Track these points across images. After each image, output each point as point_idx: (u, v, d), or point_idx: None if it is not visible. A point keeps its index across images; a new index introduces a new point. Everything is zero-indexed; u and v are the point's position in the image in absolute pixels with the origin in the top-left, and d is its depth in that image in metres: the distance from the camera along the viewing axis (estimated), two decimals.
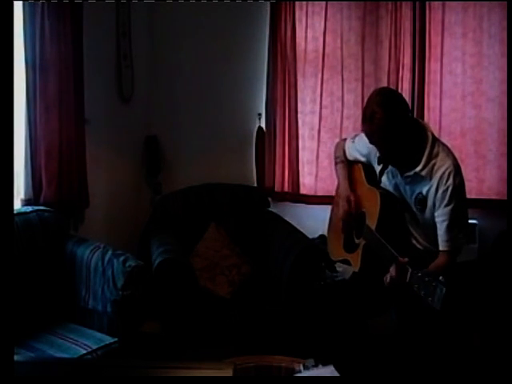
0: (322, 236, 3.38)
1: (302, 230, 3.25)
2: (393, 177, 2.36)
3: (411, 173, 2.23)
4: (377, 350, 2.56)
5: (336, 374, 2.00)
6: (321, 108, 3.72)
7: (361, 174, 2.52)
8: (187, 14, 3.80)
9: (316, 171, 3.75)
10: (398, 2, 3.55)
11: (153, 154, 3.87)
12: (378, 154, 2.32)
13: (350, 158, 2.59)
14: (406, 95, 3.56)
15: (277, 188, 3.76)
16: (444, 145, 2.27)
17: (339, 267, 3.29)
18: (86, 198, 3.09)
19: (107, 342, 2.42)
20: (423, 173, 2.20)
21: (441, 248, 2.21)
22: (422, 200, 2.24)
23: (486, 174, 3.55)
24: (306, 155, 3.77)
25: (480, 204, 3.47)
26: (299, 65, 3.71)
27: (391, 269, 2.09)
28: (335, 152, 2.69)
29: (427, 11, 3.53)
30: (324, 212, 2.85)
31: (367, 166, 2.51)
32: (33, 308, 2.54)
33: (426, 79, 3.57)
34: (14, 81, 2.31)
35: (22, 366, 1.79)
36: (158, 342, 2.93)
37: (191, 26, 3.82)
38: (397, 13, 3.56)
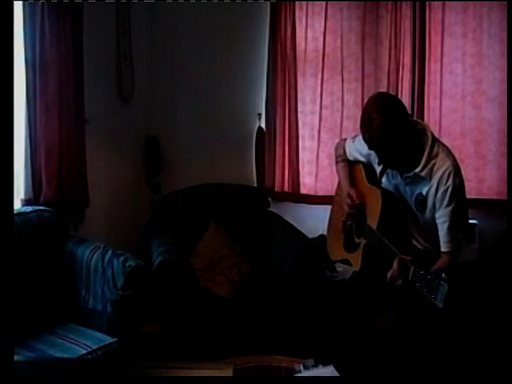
0: (322, 236, 3.38)
1: (302, 230, 3.25)
2: (393, 177, 2.36)
3: (411, 174, 2.23)
4: (377, 349, 2.56)
5: (336, 373, 1.99)
6: (321, 108, 3.72)
7: (361, 174, 2.52)
8: (187, 14, 3.80)
9: (316, 171, 3.76)
10: (398, 2, 3.55)
11: (153, 154, 3.87)
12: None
13: (350, 157, 2.59)
14: (406, 95, 3.56)
15: (277, 188, 3.76)
16: (444, 145, 2.27)
17: (339, 267, 3.29)
18: (86, 197, 3.09)
19: (107, 342, 2.42)
20: (423, 173, 2.20)
21: (443, 249, 2.20)
22: (421, 201, 2.24)
23: (486, 174, 3.55)
24: (306, 155, 3.77)
25: (480, 204, 3.47)
26: (299, 65, 3.71)
27: (393, 266, 2.09)
28: (336, 151, 2.69)
29: (427, 11, 3.53)
30: (324, 212, 2.85)
31: (368, 166, 2.51)
32: (33, 308, 2.54)
33: (426, 79, 3.57)
34: (14, 81, 2.30)
35: (21, 366, 1.79)
36: (158, 342, 2.93)
37: (191, 26, 3.82)
38: (397, 13, 3.56)
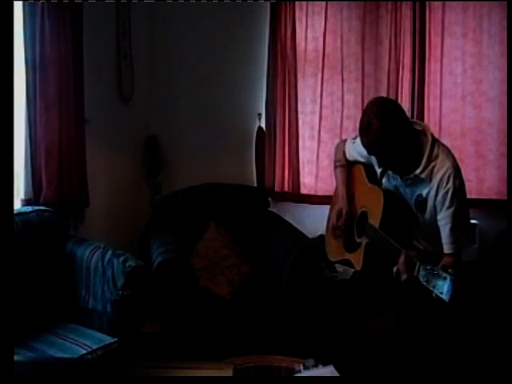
0: (322, 236, 3.37)
1: (302, 230, 3.25)
2: (393, 179, 2.36)
3: (411, 175, 2.23)
4: (377, 349, 2.56)
5: (336, 373, 2.00)
6: (321, 108, 3.72)
7: (362, 174, 2.52)
8: (187, 14, 3.80)
9: (316, 171, 3.76)
10: (398, 2, 3.55)
11: (153, 154, 3.87)
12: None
13: (350, 158, 2.59)
14: (406, 95, 3.56)
15: (277, 188, 3.76)
16: (444, 146, 2.26)
17: (339, 267, 3.28)
18: (86, 197, 3.09)
19: (107, 342, 2.42)
20: (423, 175, 2.20)
21: (445, 251, 2.20)
22: (422, 202, 2.24)
23: (486, 174, 3.55)
24: (306, 155, 3.77)
25: (480, 204, 3.46)
26: (299, 65, 3.71)
27: (399, 261, 2.09)
28: (335, 155, 2.68)
29: (427, 11, 3.53)
30: (324, 212, 2.84)
31: (368, 166, 2.51)
32: (33, 308, 2.54)
33: (426, 79, 3.57)
34: (14, 81, 2.31)
35: (21, 366, 1.79)
36: (158, 342, 2.93)
37: (191, 25, 3.82)
38: (397, 13, 3.56)
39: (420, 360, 2.31)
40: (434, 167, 2.19)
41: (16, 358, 1.83)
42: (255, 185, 3.80)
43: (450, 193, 2.16)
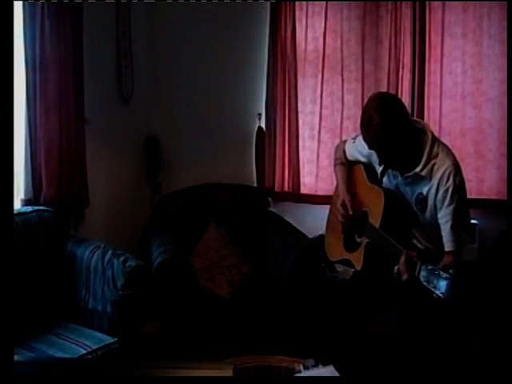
0: (322, 236, 3.36)
1: (302, 230, 3.25)
2: (394, 178, 2.36)
3: (411, 173, 2.23)
4: (377, 349, 2.56)
5: (336, 373, 2.00)
6: (321, 108, 3.72)
7: (362, 174, 2.52)
8: (187, 14, 3.80)
9: (316, 171, 3.76)
10: (398, 2, 3.55)
11: (153, 154, 3.87)
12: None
13: (350, 158, 2.59)
14: (406, 95, 3.56)
15: (277, 188, 3.76)
16: (444, 144, 2.27)
17: (339, 267, 3.29)
18: (86, 197, 3.09)
19: (107, 342, 2.42)
20: (423, 173, 2.20)
21: (446, 248, 2.20)
22: (422, 200, 2.24)
23: (486, 174, 3.55)
24: (306, 155, 3.77)
25: (480, 204, 3.46)
26: (299, 65, 3.71)
27: (400, 261, 2.09)
28: (335, 154, 2.68)
29: (427, 11, 3.53)
30: (324, 212, 2.84)
31: (368, 166, 2.51)
32: (33, 308, 2.54)
33: (426, 79, 3.57)
34: (14, 81, 2.31)
35: (21, 366, 1.79)
36: (158, 342, 2.93)
37: (191, 26, 3.82)
38: (397, 13, 3.56)
39: (420, 360, 2.31)
40: (434, 165, 2.19)
41: (16, 357, 1.83)
42: (255, 185, 3.80)
43: (450, 190, 2.16)
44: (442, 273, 1.90)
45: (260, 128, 3.79)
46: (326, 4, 3.64)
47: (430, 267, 1.96)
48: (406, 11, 3.55)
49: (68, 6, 2.84)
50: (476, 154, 3.55)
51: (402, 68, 3.59)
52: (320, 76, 3.70)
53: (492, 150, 3.53)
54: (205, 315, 2.93)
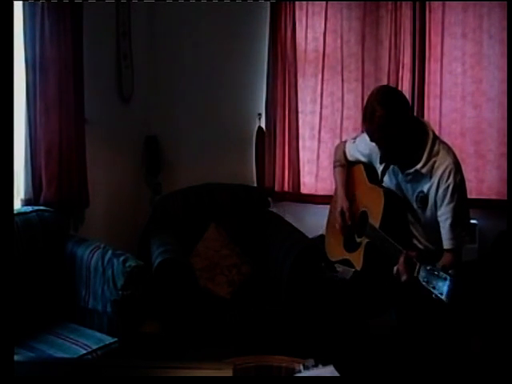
0: (322, 236, 3.36)
1: (302, 230, 3.26)
2: (394, 176, 2.36)
3: (412, 170, 2.23)
4: (377, 349, 2.56)
5: (336, 373, 2.00)
6: (321, 108, 3.72)
7: (362, 174, 2.52)
8: (187, 14, 3.80)
9: (316, 171, 3.76)
10: (398, 2, 3.55)
11: (153, 154, 3.87)
12: (379, 154, 2.32)
13: (350, 158, 2.59)
14: (406, 95, 3.53)
15: (277, 188, 3.76)
16: (444, 143, 2.27)
17: (339, 267, 3.28)
18: (86, 197, 3.09)
19: (107, 342, 2.42)
20: (424, 170, 2.20)
21: (445, 246, 2.21)
22: (423, 198, 2.25)
23: (486, 174, 3.55)
24: (306, 155, 3.78)
25: (480, 204, 3.46)
26: (299, 65, 3.71)
27: (399, 262, 2.09)
28: (335, 155, 2.68)
29: (427, 11, 3.53)
30: (324, 212, 2.84)
31: (368, 166, 2.51)
32: (33, 308, 2.54)
33: (426, 79, 3.57)
34: (14, 81, 2.30)
35: (21, 366, 1.79)
36: (158, 341, 2.93)
37: (191, 26, 3.82)
38: (397, 13, 3.56)
39: (420, 360, 2.31)
40: (434, 163, 2.19)
41: (16, 357, 1.83)
42: (255, 185, 3.80)
43: (450, 188, 2.16)
44: (441, 273, 1.90)
45: (260, 128, 3.79)
46: (326, 4, 3.64)
47: (429, 267, 1.96)
48: (406, 11, 3.55)
49: (68, 6, 2.84)
50: (476, 154, 3.55)
51: (402, 68, 3.59)
52: (320, 76, 3.70)
53: (492, 150, 3.53)
54: (205, 315, 2.93)
